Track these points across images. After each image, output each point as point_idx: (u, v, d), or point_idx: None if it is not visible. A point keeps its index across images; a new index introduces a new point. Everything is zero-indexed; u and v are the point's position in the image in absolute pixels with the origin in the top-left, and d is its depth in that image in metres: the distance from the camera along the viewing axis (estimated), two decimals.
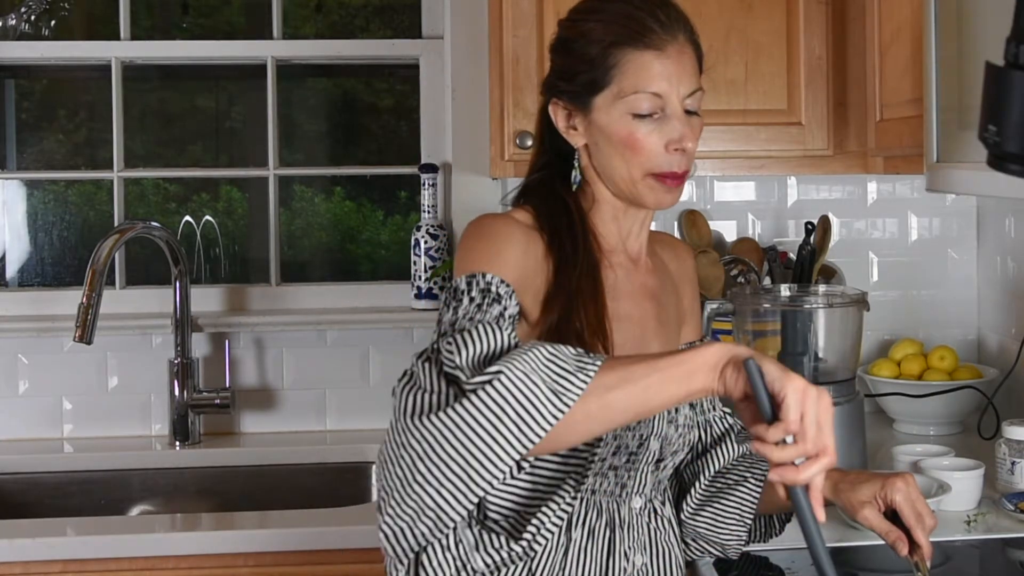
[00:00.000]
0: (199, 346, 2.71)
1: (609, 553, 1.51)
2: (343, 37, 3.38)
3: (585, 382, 1.27)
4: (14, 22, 2.90)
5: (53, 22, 3.02)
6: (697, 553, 1.70)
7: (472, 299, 1.40)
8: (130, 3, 2.82)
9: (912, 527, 1.49)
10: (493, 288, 1.41)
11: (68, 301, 2.65)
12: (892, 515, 1.53)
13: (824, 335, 2.19)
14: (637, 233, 1.61)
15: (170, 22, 3.55)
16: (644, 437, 1.52)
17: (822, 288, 2.31)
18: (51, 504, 2.53)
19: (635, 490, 1.55)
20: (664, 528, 1.59)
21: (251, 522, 2.21)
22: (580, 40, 1.52)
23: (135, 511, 2.57)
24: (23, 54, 2.87)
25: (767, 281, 2.62)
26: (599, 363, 1.29)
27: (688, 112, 1.52)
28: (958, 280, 2.77)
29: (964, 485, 1.93)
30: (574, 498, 1.47)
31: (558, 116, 1.56)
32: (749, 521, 1.65)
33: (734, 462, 1.69)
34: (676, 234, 2.74)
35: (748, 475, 1.66)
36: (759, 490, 1.64)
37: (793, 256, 2.62)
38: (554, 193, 1.57)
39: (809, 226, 2.51)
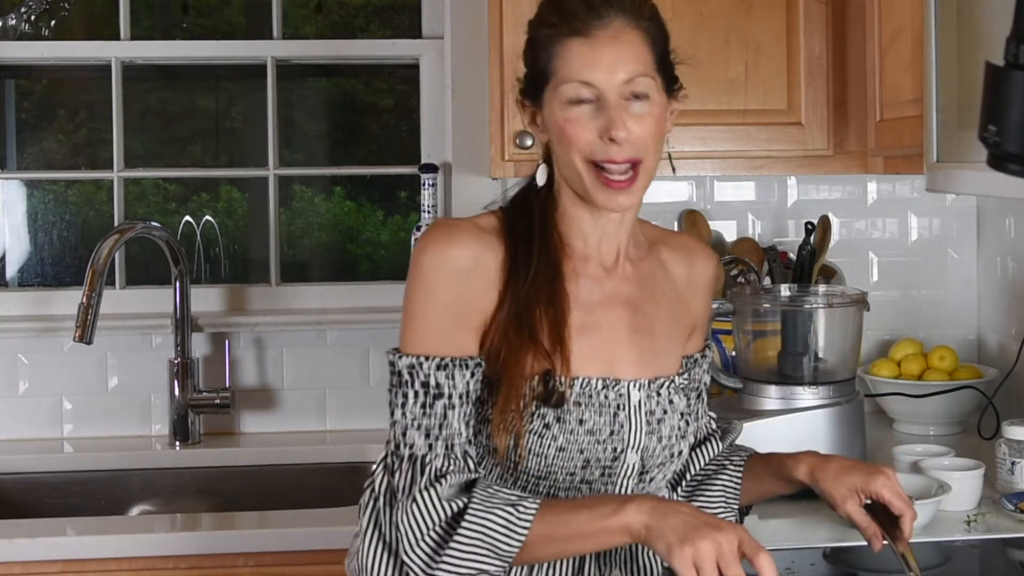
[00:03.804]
0: (199, 346, 2.71)
1: (580, 568, 1.50)
2: (343, 37, 3.38)
3: (520, 541, 1.37)
4: (14, 22, 2.90)
5: (53, 22, 3.02)
6: None
7: (416, 395, 1.44)
8: (130, 3, 2.81)
9: (903, 512, 1.51)
10: (432, 380, 1.44)
11: (68, 301, 2.64)
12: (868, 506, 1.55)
13: (824, 335, 2.19)
14: (614, 234, 1.54)
15: (170, 22, 3.55)
16: (619, 451, 1.49)
17: (822, 288, 2.31)
18: (51, 504, 2.53)
19: None
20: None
21: (251, 522, 2.21)
22: (530, 37, 1.52)
23: (135, 511, 2.57)
24: (23, 54, 2.87)
25: (767, 281, 2.62)
26: (528, 524, 1.37)
27: (635, 97, 1.45)
28: (958, 280, 2.76)
29: (964, 485, 1.93)
30: None
31: (524, 115, 1.55)
32: (735, 506, 1.64)
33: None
34: None
35: (727, 462, 1.66)
36: (739, 474, 1.64)
37: (793, 256, 2.62)
38: (525, 197, 1.55)
39: (809, 226, 2.51)
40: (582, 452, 1.47)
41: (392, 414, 1.46)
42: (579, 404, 1.47)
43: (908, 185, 2.76)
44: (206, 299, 2.76)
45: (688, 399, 1.59)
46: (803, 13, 2.35)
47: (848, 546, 1.77)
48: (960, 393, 2.41)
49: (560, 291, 1.49)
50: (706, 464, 1.68)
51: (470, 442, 1.45)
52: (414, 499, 1.39)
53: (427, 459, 1.42)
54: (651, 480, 1.55)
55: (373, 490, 1.47)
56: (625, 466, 1.50)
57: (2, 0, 2.90)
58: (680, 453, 1.58)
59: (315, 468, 2.60)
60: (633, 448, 1.50)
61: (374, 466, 1.50)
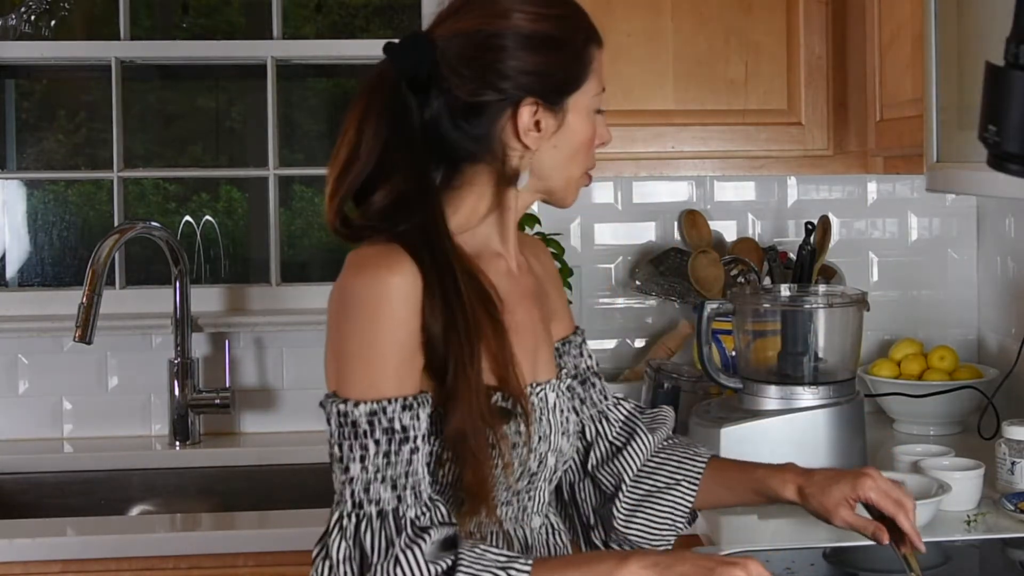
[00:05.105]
0: (199, 346, 2.71)
1: None
2: (343, 37, 3.39)
3: None
4: (14, 22, 2.90)
5: (53, 22, 3.02)
6: None
7: (378, 443, 1.29)
8: (130, 3, 2.81)
9: (895, 515, 1.48)
10: (397, 424, 1.29)
11: (68, 301, 2.64)
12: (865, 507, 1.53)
13: (824, 335, 2.19)
14: (513, 229, 1.49)
15: (170, 22, 3.56)
16: (543, 455, 1.44)
17: (822, 288, 2.32)
18: (51, 504, 2.53)
19: (534, 509, 1.48)
20: (563, 543, 1.53)
21: (251, 522, 2.21)
22: (559, 36, 1.39)
23: (135, 511, 2.57)
24: (23, 54, 2.87)
25: (767, 281, 2.62)
26: None
27: None
28: (958, 280, 2.76)
29: (964, 485, 1.93)
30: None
31: (524, 117, 1.38)
32: (681, 523, 1.61)
33: (658, 458, 1.63)
34: (676, 234, 2.74)
35: (679, 476, 1.61)
36: (694, 492, 1.60)
37: (793, 256, 2.62)
38: (404, 212, 1.38)
39: (809, 226, 2.51)
40: (521, 464, 1.41)
41: (346, 470, 1.31)
42: (514, 416, 1.39)
43: (908, 185, 2.76)
44: (206, 299, 2.76)
45: (573, 390, 1.58)
46: (803, 13, 2.35)
47: (848, 546, 1.77)
48: (960, 393, 2.41)
49: (499, 323, 1.38)
50: (642, 465, 1.62)
51: (429, 484, 1.33)
52: (396, 560, 1.26)
53: (400, 512, 1.29)
54: (553, 481, 1.51)
55: (329, 558, 1.31)
56: (546, 470, 1.46)
57: (2, 0, 2.90)
58: (574, 446, 1.56)
59: (315, 468, 2.59)
60: (553, 450, 1.46)
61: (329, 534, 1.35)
